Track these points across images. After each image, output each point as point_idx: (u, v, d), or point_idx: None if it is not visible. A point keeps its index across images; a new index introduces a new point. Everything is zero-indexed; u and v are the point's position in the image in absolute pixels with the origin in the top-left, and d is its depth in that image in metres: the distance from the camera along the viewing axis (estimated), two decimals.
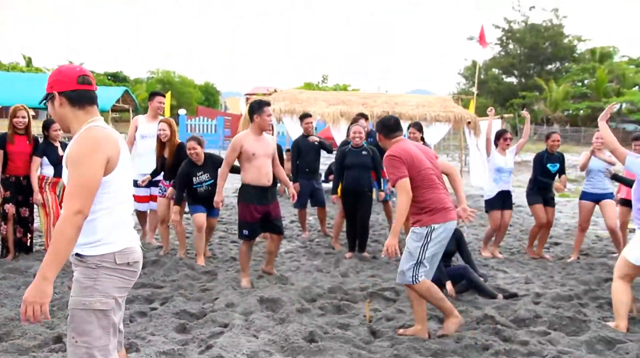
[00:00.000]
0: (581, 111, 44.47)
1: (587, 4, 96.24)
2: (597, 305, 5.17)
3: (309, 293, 5.19)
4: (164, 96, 7.53)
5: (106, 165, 2.35)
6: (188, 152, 6.11)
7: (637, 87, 44.12)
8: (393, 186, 4.15)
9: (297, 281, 5.64)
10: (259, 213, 5.42)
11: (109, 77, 55.09)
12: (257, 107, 5.40)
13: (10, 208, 6.13)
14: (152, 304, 4.76)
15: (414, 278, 4.12)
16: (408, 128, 7.38)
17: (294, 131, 13.42)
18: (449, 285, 5.24)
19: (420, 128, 7.19)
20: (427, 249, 4.12)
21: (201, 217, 6.24)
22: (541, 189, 7.18)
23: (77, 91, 2.44)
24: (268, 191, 5.50)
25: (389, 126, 4.38)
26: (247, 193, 5.41)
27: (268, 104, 5.51)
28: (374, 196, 7.47)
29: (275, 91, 16.13)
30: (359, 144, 6.89)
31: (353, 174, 6.85)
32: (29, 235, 6.40)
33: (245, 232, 5.44)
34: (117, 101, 35.11)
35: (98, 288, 2.38)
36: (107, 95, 33.97)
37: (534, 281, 6.02)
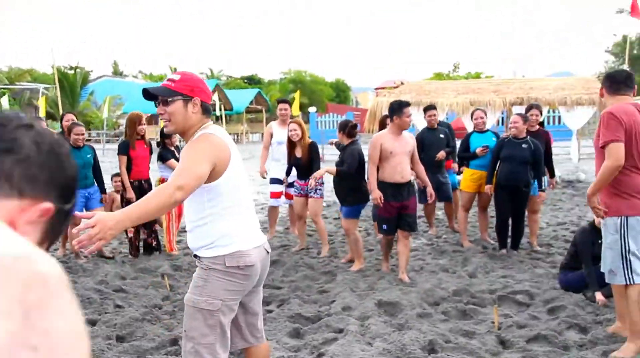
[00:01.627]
0: None
1: None
2: None
3: (431, 296, 4.85)
4: (288, 102, 7.81)
5: (214, 169, 2.44)
6: None
7: None
8: (602, 148, 3.58)
9: (420, 282, 5.31)
10: (395, 209, 5.55)
11: (245, 81, 57.72)
12: (397, 108, 5.49)
13: None
14: (269, 306, 4.70)
15: (627, 277, 3.65)
16: (527, 110, 6.75)
17: (421, 124, 12.97)
18: (599, 296, 4.61)
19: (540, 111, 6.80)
20: (628, 241, 3.62)
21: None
22: None
23: (210, 105, 2.69)
24: (403, 188, 5.56)
25: (617, 80, 3.74)
26: (383, 190, 5.48)
27: (408, 104, 5.66)
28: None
29: (402, 83, 15.76)
30: (517, 134, 6.41)
31: (510, 167, 6.37)
32: (154, 236, 6.72)
33: (384, 227, 5.66)
34: (251, 103, 36.65)
35: (207, 289, 2.49)
36: (242, 97, 35.54)
37: None
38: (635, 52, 44.44)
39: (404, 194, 5.54)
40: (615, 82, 3.71)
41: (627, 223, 3.59)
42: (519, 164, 6.26)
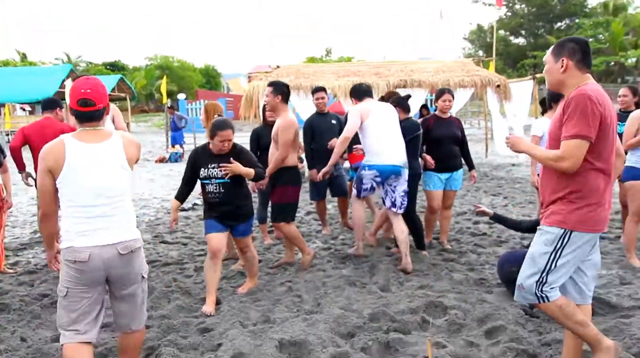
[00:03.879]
0: (597, 67, 42.54)
1: None
2: None
3: (343, 325, 3.84)
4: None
5: (50, 174, 2.78)
6: (220, 142, 4.37)
7: None
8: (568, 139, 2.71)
9: (326, 304, 4.28)
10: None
11: (107, 67, 53.78)
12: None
13: None
14: None
15: (539, 295, 2.84)
16: (438, 97, 5.94)
17: (303, 108, 12.04)
18: None
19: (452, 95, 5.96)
20: (559, 257, 2.84)
21: (217, 239, 4.48)
22: None
23: (77, 111, 2.84)
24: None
25: (585, 50, 2.89)
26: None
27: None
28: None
29: (278, 67, 14.73)
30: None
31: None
32: None
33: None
34: (113, 90, 33.90)
35: (60, 277, 2.88)
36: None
37: (632, 281, 4.67)
38: (488, 40, 47.12)
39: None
40: (585, 53, 2.86)
41: (568, 238, 2.81)
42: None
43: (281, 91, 5.20)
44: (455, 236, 6.46)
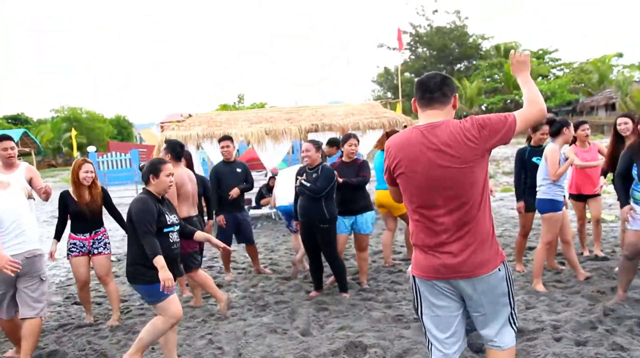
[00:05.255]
0: (495, 105, 45.39)
1: (485, 4, 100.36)
2: (627, 329, 4.15)
3: None
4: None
5: None
6: (168, 180, 3.99)
7: (540, 78, 45.66)
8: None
9: (248, 354, 4.26)
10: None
11: (9, 121, 51.45)
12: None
13: None
14: None
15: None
16: (344, 142, 6.16)
17: (217, 157, 12.03)
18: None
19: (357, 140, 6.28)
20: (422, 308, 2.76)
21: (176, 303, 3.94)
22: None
23: None
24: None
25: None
26: None
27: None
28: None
29: (190, 115, 14.68)
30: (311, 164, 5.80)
31: (302, 201, 5.75)
32: None
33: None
34: (17, 145, 32.26)
35: None
36: None
37: (535, 305, 4.97)
38: (394, 82, 49.33)
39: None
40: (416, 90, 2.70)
41: (414, 284, 2.74)
42: (309, 198, 5.61)
43: (172, 149, 5.60)
44: (372, 275, 6.62)
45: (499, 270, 2.56)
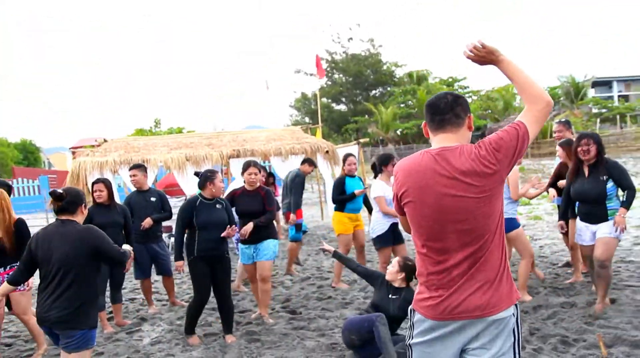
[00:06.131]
0: (410, 130, 46.92)
1: (485, 4, 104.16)
2: (552, 347, 4.33)
3: None
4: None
5: None
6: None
7: None
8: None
9: None
10: None
11: None
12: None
13: None
14: None
15: None
16: (244, 170, 5.82)
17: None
18: None
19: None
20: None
21: None
22: None
23: None
24: None
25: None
26: None
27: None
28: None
29: (105, 140, 14.14)
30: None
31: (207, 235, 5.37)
32: None
33: None
34: None
35: None
36: None
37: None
38: (312, 107, 50.01)
39: None
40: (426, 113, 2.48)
41: (411, 317, 2.46)
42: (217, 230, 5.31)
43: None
44: (302, 302, 6.56)
45: (513, 315, 2.28)
